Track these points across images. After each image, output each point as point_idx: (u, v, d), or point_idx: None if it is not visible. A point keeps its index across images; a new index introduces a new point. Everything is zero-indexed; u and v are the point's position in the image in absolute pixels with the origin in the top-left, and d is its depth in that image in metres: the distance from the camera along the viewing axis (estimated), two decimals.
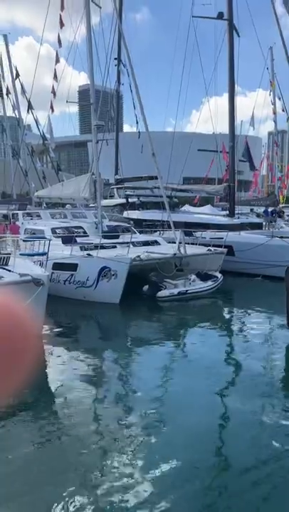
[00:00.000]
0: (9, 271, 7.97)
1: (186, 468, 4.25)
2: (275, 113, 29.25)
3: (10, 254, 9.36)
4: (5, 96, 27.67)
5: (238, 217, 18.66)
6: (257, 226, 18.13)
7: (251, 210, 23.18)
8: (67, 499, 3.75)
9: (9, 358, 0.40)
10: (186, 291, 11.71)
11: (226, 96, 19.70)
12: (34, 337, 0.41)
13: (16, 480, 4.12)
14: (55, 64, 18.86)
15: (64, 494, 3.81)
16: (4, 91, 27.49)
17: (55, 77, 19.26)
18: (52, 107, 20.48)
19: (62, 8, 17.45)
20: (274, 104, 28.68)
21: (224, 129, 20.11)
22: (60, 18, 17.74)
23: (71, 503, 3.72)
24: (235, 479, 4.11)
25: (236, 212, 18.92)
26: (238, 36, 18.84)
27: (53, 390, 6.42)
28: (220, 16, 18.45)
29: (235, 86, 18.80)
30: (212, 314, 10.98)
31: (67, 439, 4.92)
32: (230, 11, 18.08)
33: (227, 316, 11.17)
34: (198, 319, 10.19)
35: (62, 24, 17.95)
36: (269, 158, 41.51)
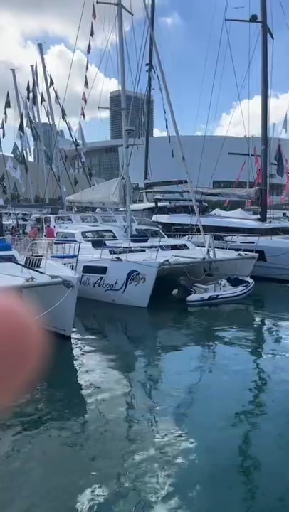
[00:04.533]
0: (41, 272, 8.16)
1: (212, 472, 4.16)
2: None
3: (42, 256, 9.59)
4: (39, 103, 28.56)
5: (270, 222, 18.20)
6: None
7: (284, 214, 22.56)
8: (92, 497, 3.77)
9: (11, 359, 0.40)
10: (217, 296, 11.52)
11: (256, 98, 19.40)
12: (37, 338, 0.40)
13: (43, 475, 4.17)
14: (86, 71, 19.33)
15: (85, 496, 3.83)
16: (39, 98, 28.38)
17: (86, 84, 19.70)
18: (83, 114, 20.97)
19: (94, 16, 17.85)
20: None
21: (255, 132, 19.77)
22: (92, 26, 18.16)
23: (97, 498, 3.73)
24: (266, 485, 3.97)
25: (268, 216, 18.47)
26: (272, 38, 18.52)
27: (81, 390, 6.47)
28: (253, 18, 18.23)
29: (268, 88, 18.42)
30: (243, 321, 10.73)
31: (91, 437, 4.94)
32: (264, 13, 17.80)
33: (258, 324, 10.88)
34: (229, 325, 9.99)
35: (92, 32, 18.36)
36: None
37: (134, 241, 13.73)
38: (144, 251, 12.63)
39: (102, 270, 11.52)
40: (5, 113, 29.71)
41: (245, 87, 27.82)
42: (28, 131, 29.67)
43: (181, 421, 5.30)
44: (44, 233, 15.61)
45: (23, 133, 29.32)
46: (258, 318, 11.31)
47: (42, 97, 28.15)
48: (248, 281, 12.26)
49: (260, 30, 18.00)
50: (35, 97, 28.73)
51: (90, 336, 9.33)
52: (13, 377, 0.40)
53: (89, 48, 18.61)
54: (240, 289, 11.92)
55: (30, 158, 35.52)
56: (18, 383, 0.40)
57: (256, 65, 18.47)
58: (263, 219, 18.20)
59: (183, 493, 3.87)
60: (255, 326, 10.64)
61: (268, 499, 3.87)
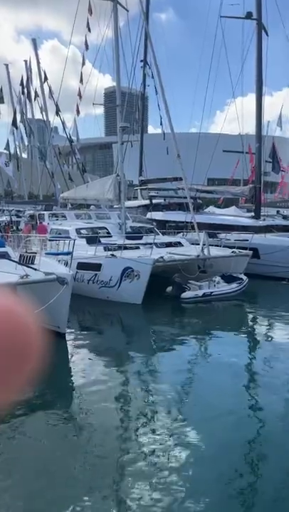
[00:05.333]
0: (35, 269, 8.12)
1: (208, 470, 4.19)
2: None
3: (36, 253, 9.55)
4: (33, 99, 28.31)
5: (264, 219, 18.30)
6: (283, 228, 17.71)
7: (278, 211, 22.67)
8: (83, 497, 3.78)
9: (11, 358, 0.40)
10: (211, 293, 11.57)
11: (251, 96, 19.46)
12: (37, 336, 0.40)
13: (33, 475, 4.17)
14: (82, 67, 19.14)
15: (80, 492, 3.84)
16: (33, 94, 28.13)
17: (82, 80, 19.53)
18: (78, 110, 20.80)
19: (90, 12, 17.67)
20: None
21: (249, 129, 19.83)
22: (88, 22, 17.99)
23: (87, 500, 3.74)
24: (266, 488, 4.01)
25: (262, 214, 18.56)
26: (267, 36, 18.53)
27: (75, 387, 6.48)
28: (248, 15, 18.19)
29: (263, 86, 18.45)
30: (236, 318, 10.80)
31: (86, 435, 4.95)
32: (259, 10, 17.80)
33: (252, 320, 10.96)
34: (222, 322, 10.05)
35: (89, 28, 18.20)
36: None
37: (129, 238, 13.73)
38: (138, 248, 12.63)
39: (97, 267, 11.51)
40: None
41: (239, 84, 27.70)
42: (21, 127, 29.45)
43: (177, 416, 5.32)
44: (35, 230, 15.55)
45: (16, 128, 29.07)
46: (251, 315, 11.39)
47: (36, 92, 27.93)
48: (242, 279, 12.33)
49: (255, 28, 18.01)
50: (29, 92, 28.48)
51: (84, 333, 9.33)
52: (14, 376, 0.40)
53: (86, 44, 18.44)
54: (234, 286, 11.99)
55: (24, 155, 35.29)
56: (19, 382, 0.40)
57: (251, 63, 18.52)
58: (257, 217, 18.27)
59: (180, 489, 3.90)
60: (248, 322, 10.72)
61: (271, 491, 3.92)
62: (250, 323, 10.61)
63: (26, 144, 32.14)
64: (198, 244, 12.66)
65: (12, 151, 29.53)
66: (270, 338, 9.20)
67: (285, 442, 4.80)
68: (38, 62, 27.38)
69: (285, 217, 20.75)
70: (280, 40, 19.68)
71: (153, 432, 4.95)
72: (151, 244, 11.97)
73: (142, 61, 24.94)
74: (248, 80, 19.59)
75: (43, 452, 4.63)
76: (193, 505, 3.69)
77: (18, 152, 30.52)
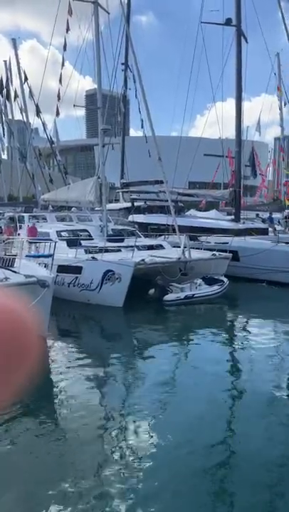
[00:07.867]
0: (15, 272, 8.00)
1: (187, 473, 4.22)
2: (282, 119, 29.16)
3: (16, 255, 9.40)
4: (13, 100, 27.88)
5: (244, 223, 18.61)
6: (262, 231, 18.06)
7: (257, 215, 23.11)
8: (65, 499, 3.74)
9: (10, 360, 0.40)
10: (193, 295, 11.67)
11: (230, 101, 19.77)
12: (36, 339, 0.41)
13: (16, 480, 4.10)
14: (61, 68, 18.99)
15: (62, 494, 3.79)
16: (12, 95, 27.71)
17: (61, 81, 19.37)
18: (58, 111, 20.62)
19: (70, 13, 17.58)
20: (281, 109, 28.58)
21: (229, 133, 20.14)
22: (67, 23, 17.88)
23: (68, 502, 3.70)
24: (242, 492, 4.07)
25: (242, 217, 18.87)
26: (246, 42, 18.93)
27: (56, 392, 6.41)
28: (228, 22, 18.53)
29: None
30: (218, 319, 10.93)
31: (68, 440, 4.90)
32: (239, 17, 18.16)
33: (233, 322, 11.11)
34: (204, 324, 10.14)
35: (68, 29, 18.08)
36: (276, 164, 41.38)
37: (110, 241, 13.69)
38: (120, 251, 12.61)
39: (78, 270, 11.42)
40: None
41: (219, 89, 28.11)
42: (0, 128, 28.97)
43: (158, 420, 5.33)
44: (19, 232, 15.25)
45: None
46: (232, 316, 11.56)
47: (15, 93, 27.52)
48: (222, 281, 12.48)
49: (235, 34, 18.36)
50: (8, 93, 28.04)
51: (65, 337, 9.23)
52: (15, 378, 0.40)
53: (65, 45, 18.32)
54: (215, 288, 12.12)
55: (4, 156, 34.73)
56: (8, 383, 0.41)
57: (231, 68, 18.86)
58: (236, 220, 18.57)
59: (156, 498, 3.91)
60: (229, 323, 10.87)
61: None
62: (232, 325, 10.75)
63: (6, 144, 31.68)
64: (180, 247, 12.75)
65: None
66: (250, 339, 9.34)
67: (264, 447, 4.89)
68: (18, 63, 26.99)
69: (264, 221, 21.17)
70: (259, 46, 20.13)
71: (134, 434, 4.94)
72: (132, 246, 11.98)
73: (123, 64, 25.02)
74: (228, 85, 19.95)
75: (21, 458, 4.54)
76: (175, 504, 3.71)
77: None
